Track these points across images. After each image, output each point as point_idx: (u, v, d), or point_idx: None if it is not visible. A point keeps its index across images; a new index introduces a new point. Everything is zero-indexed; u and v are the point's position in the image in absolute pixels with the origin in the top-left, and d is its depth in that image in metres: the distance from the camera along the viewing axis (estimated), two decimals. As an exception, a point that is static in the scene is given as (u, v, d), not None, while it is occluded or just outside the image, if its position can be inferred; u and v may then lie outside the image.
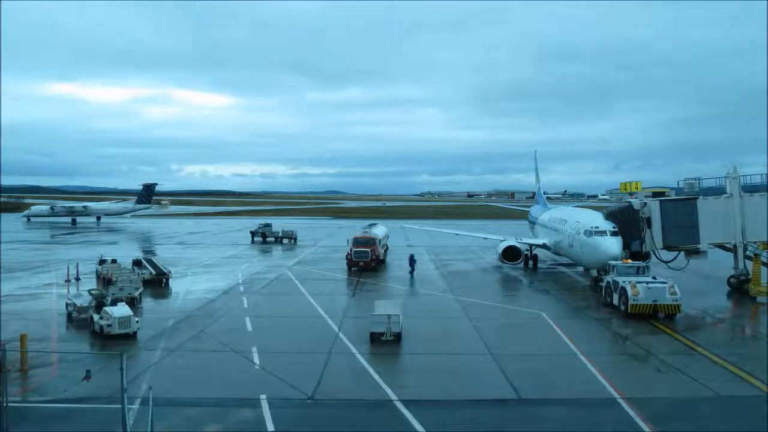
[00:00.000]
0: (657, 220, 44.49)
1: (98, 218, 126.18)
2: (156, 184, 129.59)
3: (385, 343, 28.59)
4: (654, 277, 37.16)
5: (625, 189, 52.13)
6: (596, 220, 48.15)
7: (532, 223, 70.94)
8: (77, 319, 32.88)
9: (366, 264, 53.05)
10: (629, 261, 40.57)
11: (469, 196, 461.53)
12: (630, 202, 48.29)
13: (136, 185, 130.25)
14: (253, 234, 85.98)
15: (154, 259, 49.40)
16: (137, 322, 30.33)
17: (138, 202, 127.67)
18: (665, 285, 34.59)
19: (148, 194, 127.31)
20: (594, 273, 45.62)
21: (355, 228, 72.15)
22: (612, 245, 43.11)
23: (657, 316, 34.18)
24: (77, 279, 47.80)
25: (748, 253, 43.08)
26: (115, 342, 28.69)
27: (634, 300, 34.09)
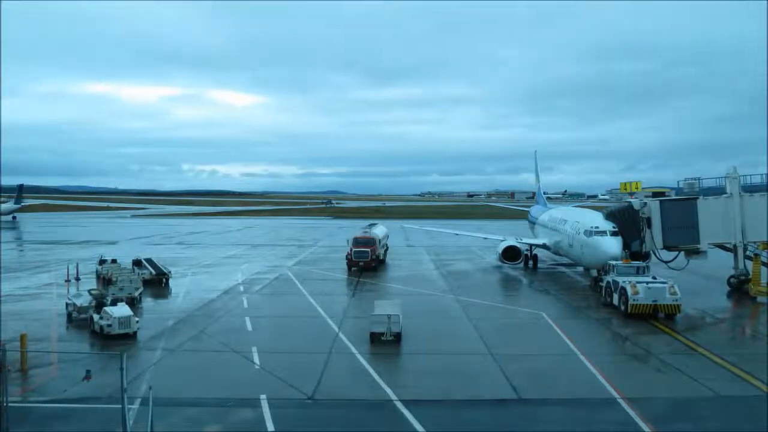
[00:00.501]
0: (657, 220, 44.49)
1: (14, 217, 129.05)
2: (22, 184, 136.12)
3: (385, 343, 28.59)
4: (654, 277, 37.17)
5: (625, 189, 52.10)
6: (596, 220, 48.15)
7: (532, 223, 70.94)
8: (77, 319, 32.88)
9: (366, 264, 53.06)
10: (629, 261, 40.59)
11: (469, 196, 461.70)
12: (630, 202, 48.28)
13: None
14: None
15: (154, 259, 49.39)
16: (137, 322, 30.34)
17: (15, 202, 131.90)
18: (665, 285, 34.59)
19: (20, 194, 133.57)
20: (594, 273, 45.61)
21: (355, 228, 72.14)
22: (612, 245, 43.12)
23: (657, 316, 34.19)
24: (77, 279, 47.81)
25: (748, 253, 43.07)
26: (115, 342, 28.70)
27: (634, 300, 34.09)
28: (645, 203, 45.67)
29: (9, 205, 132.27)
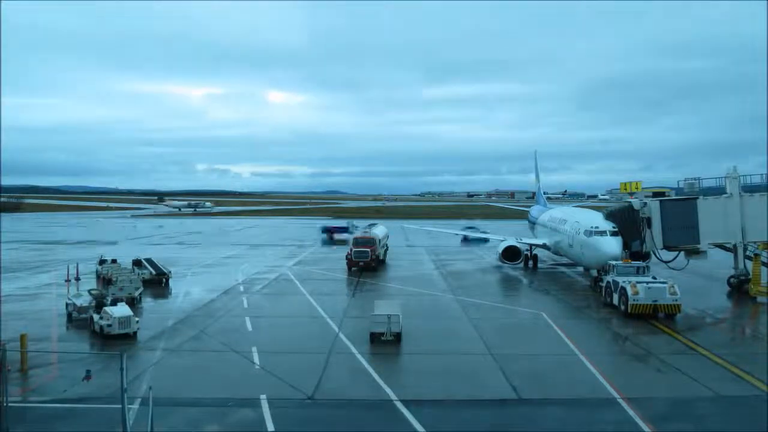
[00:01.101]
0: (657, 220, 44.49)
1: None
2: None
3: (385, 343, 28.59)
4: (654, 277, 37.18)
5: (625, 189, 52.11)
6: (596, 220, 48.15)
7: (532, 223, 70.95)
8: (77, 319, 32.89)
9: (366, 264, 53.08)
10: (629, 261, 40.59)
11: (469, 196, 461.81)
12: (630, 202, 48.28)
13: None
14: None
15: (154, 259, 49.39)
16: (137, 322, 30.34)
17: None
18: (665, 285, 34.60)
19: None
20: (594, 273, 45.62)
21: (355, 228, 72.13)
22: (612, 245, 43.11)
23: (657, 316, 34.19)
24: (77, 279, 47.81)
25: (748, 253, 43.07)
26: (115, 342, 28.70)
27: (634, 300, 34.09)
28: (645, 203, 45.68)
29: None
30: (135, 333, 29.80)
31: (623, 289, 35.16)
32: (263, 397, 21.34)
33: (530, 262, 57.77)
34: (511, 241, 55.83)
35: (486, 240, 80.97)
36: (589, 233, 45.00)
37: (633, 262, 40.21)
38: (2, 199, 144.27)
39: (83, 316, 32.52)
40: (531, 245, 58.72)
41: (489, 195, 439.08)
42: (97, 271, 49.83)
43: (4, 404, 18.26)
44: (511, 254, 54.07)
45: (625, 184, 52.25)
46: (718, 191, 44.75)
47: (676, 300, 34.14)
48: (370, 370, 24.88)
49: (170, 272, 47.02)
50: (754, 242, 42.68)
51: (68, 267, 49.88)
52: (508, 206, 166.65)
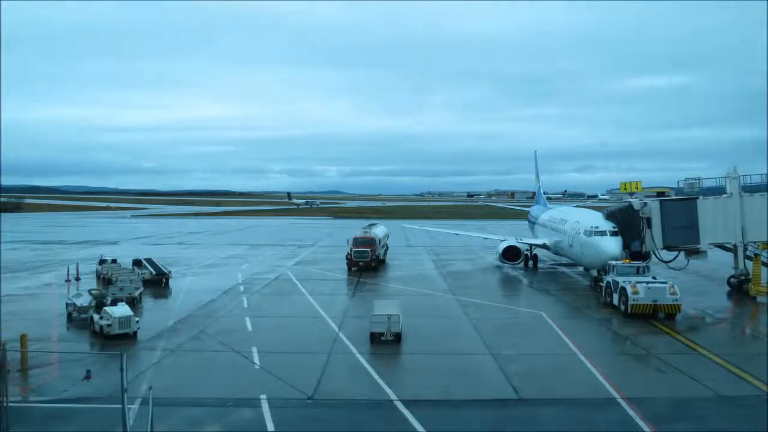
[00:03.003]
0: (657, 220, 44.49)
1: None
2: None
3: (385, 343, 28.59)
4: (654, 277, 37.18)
5: (625, 189, 52.12)
6: (596, 220, 48.13)
7: (532, 223, 70.92)
8: (77, 319, 32.89)
9: (366, 264, 53.08)
10: (629, 261, 40.59)
11: (469, 196, 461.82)
12: (630, 202, 48.27)
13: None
14: None
15: (154, 259, 49.39)
16: (137, 322, 30.35)
17: None
18: (665, 285, 34.60)
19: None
20: (594, 273, 45.61)
21: (355, 228, 72.12)
22: (612, 245, 43.10)
23: (657, 316, 34.19)
24: (77, 279, 47.83)
25: (748, 253, 43.05)
26: (115, 342, 28.70)
27: (634, 300, 34.09)
28: (645, 203, 45.67)
29: None
30: (135, 333, 29.81)
31: (623, 289, 35.15)
32: (263, 397, 21.34)
33: (530, 262, 57.77)
34: (511, 241, 55.84)
35: None
36: (589, 233, 45.00)
37: (633, 262, 40.21)
38: (2, 199, 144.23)
39: (83, 316, 32.52)
40: (531, 245, 58.71)
41: (489, 195, 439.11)
42: (97, 271, 49.81)
43: (4, 404, 18.27)
44: (511, 254, 54.06)
45: (625, 184, 52.26)
46: (718, 191, 44.74)
47: (676, 300, 34.13)
48: (370, 370, 24.88)
49: (170, 272, 47.01)
50: (754, 242, 42.66)
51: (68, 267, 49.90)
52: (508, 206, 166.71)
